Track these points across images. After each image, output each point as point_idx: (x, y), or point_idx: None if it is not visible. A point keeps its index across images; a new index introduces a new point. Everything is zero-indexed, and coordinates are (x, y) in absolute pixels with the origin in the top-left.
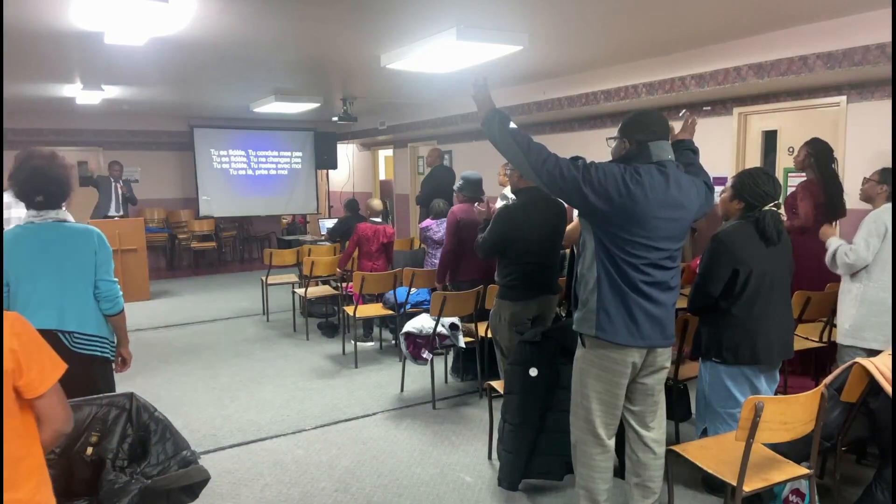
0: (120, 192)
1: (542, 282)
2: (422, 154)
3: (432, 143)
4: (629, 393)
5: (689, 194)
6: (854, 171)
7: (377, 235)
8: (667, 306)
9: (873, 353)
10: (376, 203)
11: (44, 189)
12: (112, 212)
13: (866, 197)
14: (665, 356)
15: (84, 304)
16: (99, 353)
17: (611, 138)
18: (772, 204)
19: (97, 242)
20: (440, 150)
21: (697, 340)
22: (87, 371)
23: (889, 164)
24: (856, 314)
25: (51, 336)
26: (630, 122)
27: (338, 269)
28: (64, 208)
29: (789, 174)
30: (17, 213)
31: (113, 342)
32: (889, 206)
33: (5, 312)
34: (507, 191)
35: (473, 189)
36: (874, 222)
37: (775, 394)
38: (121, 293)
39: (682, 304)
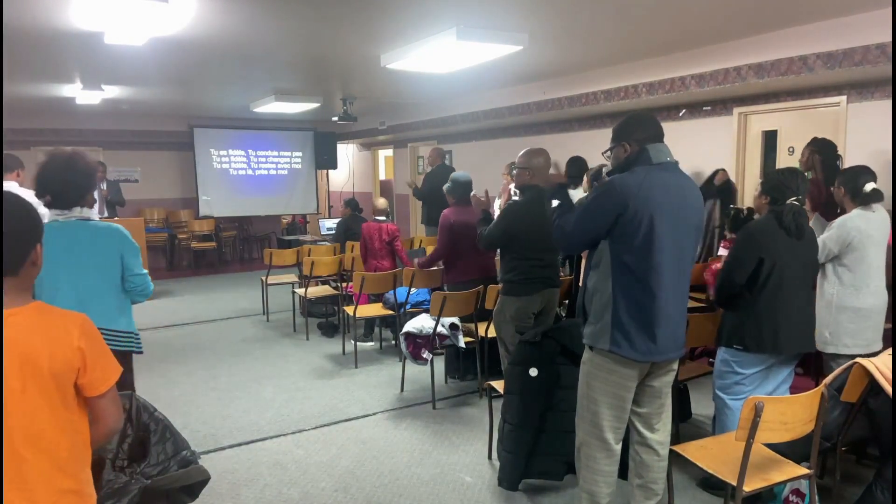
0: (101, 194)
1: (545, 276)
2: (422, 154)
3: (432, 143)
4: (636, 395)
5: (693, 193)
6: None
7: (380, 233)
8: (680, 314)
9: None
10: (380, 202)
11: (53, 189)
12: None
13: (840, 203)
14: (674, 360)
15: (108, 301)
16: (127, 349)
17: (607, 150)
18: (794, 198)
19: (121, 239)
20: (441, 150)
21: (720, 328)
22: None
23: (889, 163)
24: (833, 321)
25: None
26: (624, 125)
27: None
28: (86, 207)
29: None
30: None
31: (139, 336)
32: (856, 212)
33: (74, 313)
34: (514, 188)
35: (462, 190)
36: (839, 228)
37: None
38: (151, 284)
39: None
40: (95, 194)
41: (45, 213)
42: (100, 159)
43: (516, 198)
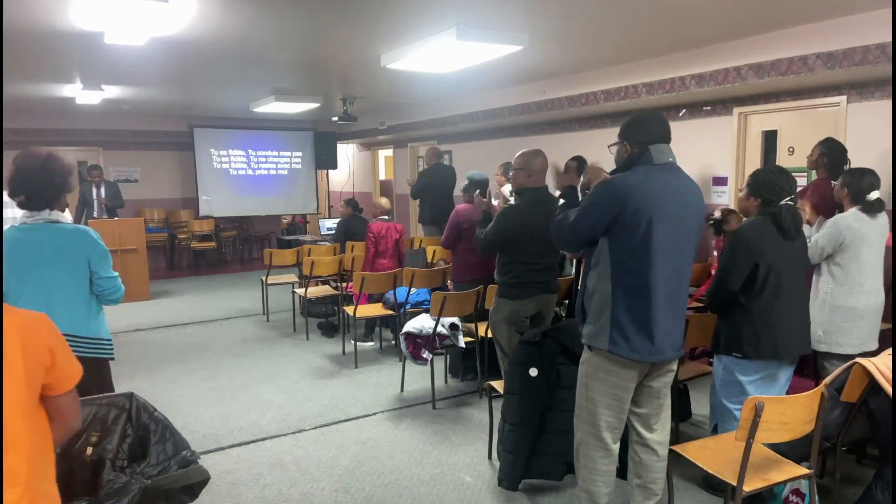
0: (99, 201)
1: (541, 281)
2: (422, 154)
3: (432, 143)
4: (635, 395)
5: (693, 193)
6: None
7: (390, 233)
8: (678, 315)
9: (850, 358)
10: (384, 201)
11: (26, 189)
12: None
13: (838, 201)
14: (673, 360)
15: (77, 306)
16: (94, 356)
17: (612, 144)
18: (787, 199)
19: (87, 242)
20: (438, 150)
21: (716, 336)
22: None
23: (889, 163)
24: (827, 320)
25: None
26: (629, 124)
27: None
28: (56, 209)
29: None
30: (12, 213)
31: (111, 342)
32: (851, 212)
33: (38, 313)
34: (506, 189)
35: (478, 188)
36: (832, 227)
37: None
38: (122, 287)
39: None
40: (95, 202)
41: (17, 216)
42: (99, 162)
43: (512, 199)
